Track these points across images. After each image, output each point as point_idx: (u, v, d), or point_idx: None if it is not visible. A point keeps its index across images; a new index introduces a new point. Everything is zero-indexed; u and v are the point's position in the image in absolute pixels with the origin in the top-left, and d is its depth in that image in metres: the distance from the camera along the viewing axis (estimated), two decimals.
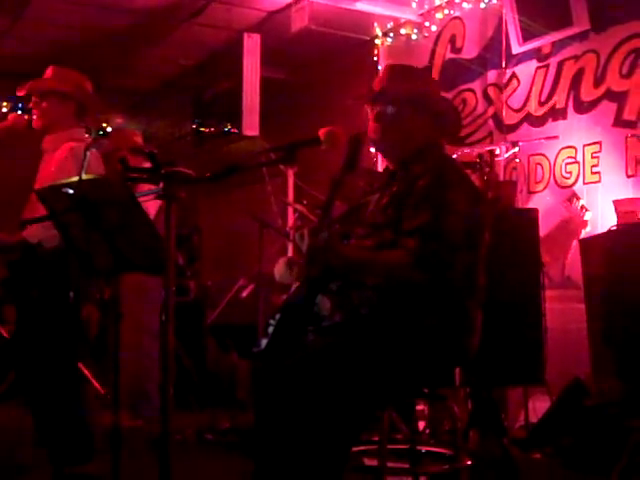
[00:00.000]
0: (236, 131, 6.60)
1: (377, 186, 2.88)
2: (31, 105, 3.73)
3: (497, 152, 4.74)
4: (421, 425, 4.37)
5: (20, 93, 3.74)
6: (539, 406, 4.27)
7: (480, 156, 4.49)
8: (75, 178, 2.89)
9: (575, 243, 4.65)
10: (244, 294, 6.06)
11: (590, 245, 4.20)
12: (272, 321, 2.68)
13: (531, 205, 4.91)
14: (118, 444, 2.91)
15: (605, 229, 4.29)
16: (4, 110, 8.08)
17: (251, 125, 6.43)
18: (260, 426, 2.63)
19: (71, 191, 2.86)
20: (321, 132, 2.58)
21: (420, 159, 2.72)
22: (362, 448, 3.50)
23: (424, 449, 3.25)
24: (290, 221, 5.90)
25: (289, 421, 2.44)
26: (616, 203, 4.28)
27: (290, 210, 6.01)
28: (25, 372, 3.76)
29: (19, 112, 4.93)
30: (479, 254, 2.68)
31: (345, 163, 2.64)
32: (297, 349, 2.57)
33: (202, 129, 7.38)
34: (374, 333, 2.55)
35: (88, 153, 3.17)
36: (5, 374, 5.64)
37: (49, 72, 3.80)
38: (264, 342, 2.66)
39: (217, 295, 6.73)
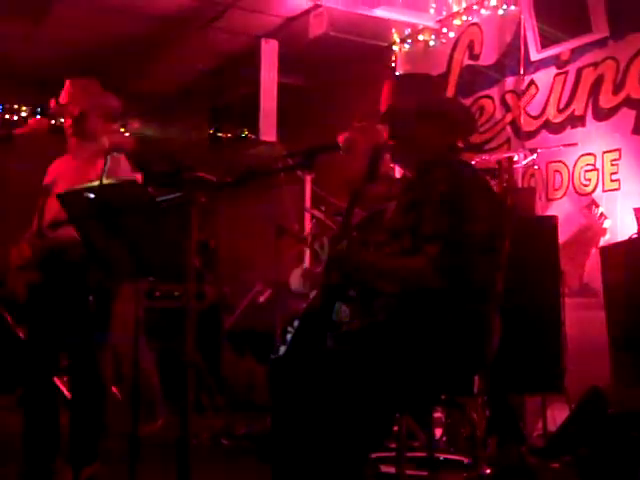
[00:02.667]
0: (253, 137, 6.62)
1: (395, 193, 2.88)
2: None
3: (515, 159, 4.72)
4: (437, 432, 4.36)
5: None
6: (557, 415, 4.24)
7: (499, 163, 4.47)
8: (96, 182, 2.91)
9: (594, 251, 4.63)
10: (261, 299, 6.07)
11: (611, 253, 4.17)
12: (290, 328, 2.68)
13: (550, 212, 4.88)
14: (136, 449, 2.91)
15: (624, 237, 4.26)
16: (23, 114, 8.13)
17: (268, 131, 6.44)
18: (278, 432, 2.63)
19: (92, 195, 2.86)
20: (340, 138, 2.58)
21: (438, 165, 2.72)
22: (379, 455, 3.50)
23: (442, 456, 3.24)
24: (307, 227, 5.90)
25: (307, 428, 2.44)
26: (637, 211, 4.25)
27: (307, 216, 6.02)
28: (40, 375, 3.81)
29: (38, 116, 4.97)
30: (499, 260, 2.67)
31: (366, 173, 2.64)
32: (315, 356, 2.57)
33: (219, 134, 7.41)
34: (392, 339, 2.54)
35: (109, 158, 3.19)
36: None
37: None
38: (282, 349, 2.66)
39: (234, 300, 6.74)
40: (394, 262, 2.63)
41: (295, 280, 2.88)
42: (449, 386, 2.70)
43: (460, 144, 2.91)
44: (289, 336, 2.65)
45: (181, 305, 2.53)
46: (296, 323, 2.66)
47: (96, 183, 2.95)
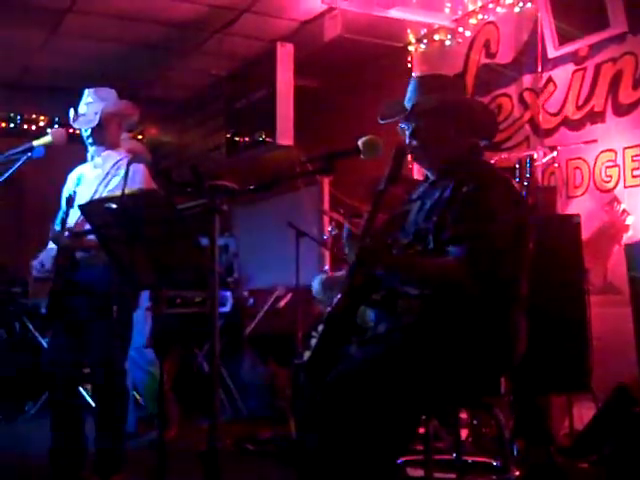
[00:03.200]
0: (270, 140, 6.62)
1: (418, 194, 2.87)
2: None
3: (535, 157, 4.69)
4: (463, 433, 4.33)
5: None
6: (584, 413, 4.21)
7: (519, 162, 4.44)
8: (118, 192, 2.91)
9: (617, 248, 4.59)
10: (282, 304, 6.07)
11: (635, 249, 4.14)
12: (314, 333, 2.67)
13: (570, 210, 4.85)
14: (163, 457, 2.92)
15: None
16: (41, 124, 8.17)
17: (285, 134, 6.45)
18: (303, 438, 2.62)
19: (114, 206, 2.87)
20: (360, 141, 2.56)
21: (461, 166, 2.71)
22: (406, 458, 3.49)
23: (470, 459, 3.21)
24: (326, 230, 5.90)
25: (334, 434, 2.43)
26: None
27: (326, 219, 6.01)
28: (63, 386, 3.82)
29: (57, 126, 4.99)
30: (522, 261, 2.66)
31: (389, 175, 2.62)
32: (340, 361, 2.56)
33: (236, 139, 7.41)
34: (417, 342, 2.54)
35: (131, 168, 3.19)
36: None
37: None
38: (307, 354, 2.66)
39: (254, 305, 6.74)
40: (423, 260, 2.61)
41: (317, 287, 2.87)
42: (475, 388, 2.68)
43: (481, 144, 2.89)
44: (313, 341, 2.65)
45: (202, 311, 2.53)
46: (320, 328, 2.65)
47: (118, 193, 2.95)
